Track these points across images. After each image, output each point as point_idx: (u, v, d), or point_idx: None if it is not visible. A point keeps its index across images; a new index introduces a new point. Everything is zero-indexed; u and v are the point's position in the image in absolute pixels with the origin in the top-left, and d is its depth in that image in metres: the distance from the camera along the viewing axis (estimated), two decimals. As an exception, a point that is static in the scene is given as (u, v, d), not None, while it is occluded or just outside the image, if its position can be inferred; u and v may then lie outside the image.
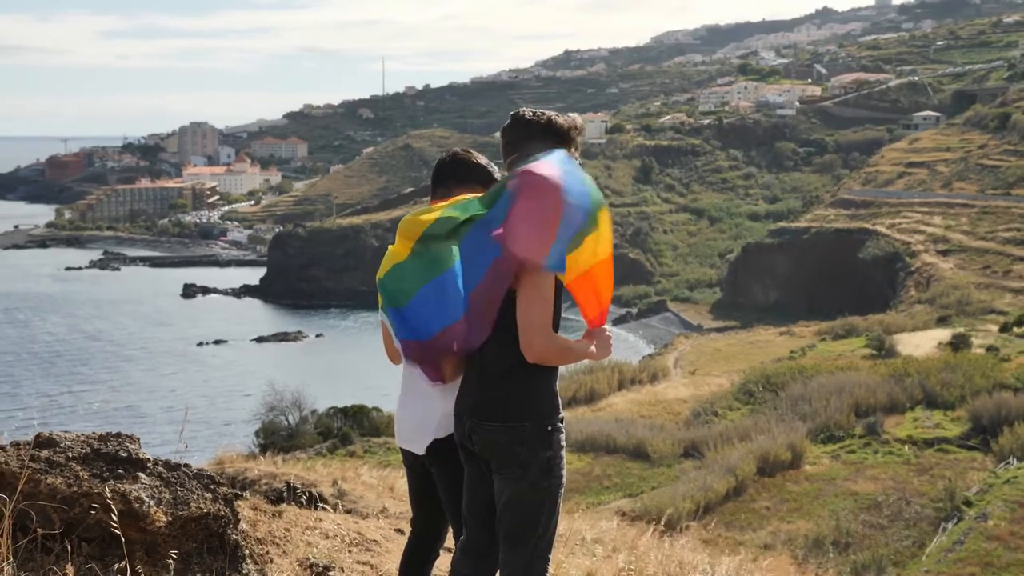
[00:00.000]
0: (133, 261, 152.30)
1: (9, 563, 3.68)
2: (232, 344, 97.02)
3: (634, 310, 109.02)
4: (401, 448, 4.91)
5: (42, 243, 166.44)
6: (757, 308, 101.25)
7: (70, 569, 3.70)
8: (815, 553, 32.79)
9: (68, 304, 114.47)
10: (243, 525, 4.86)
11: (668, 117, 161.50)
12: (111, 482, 4.10)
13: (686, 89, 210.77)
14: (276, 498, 7.85)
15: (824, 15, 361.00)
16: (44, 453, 4.13)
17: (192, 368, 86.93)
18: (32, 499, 3.91)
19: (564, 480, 4.45)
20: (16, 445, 4.21)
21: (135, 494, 4.06)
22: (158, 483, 4.23)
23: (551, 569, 4.53)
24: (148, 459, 4.31)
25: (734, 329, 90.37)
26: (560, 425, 4.43)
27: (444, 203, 4.48)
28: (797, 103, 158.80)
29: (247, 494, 8.54)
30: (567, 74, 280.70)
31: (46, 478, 3.99)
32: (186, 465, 4.42)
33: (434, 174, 4.88)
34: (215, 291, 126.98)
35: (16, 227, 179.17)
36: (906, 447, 43.65)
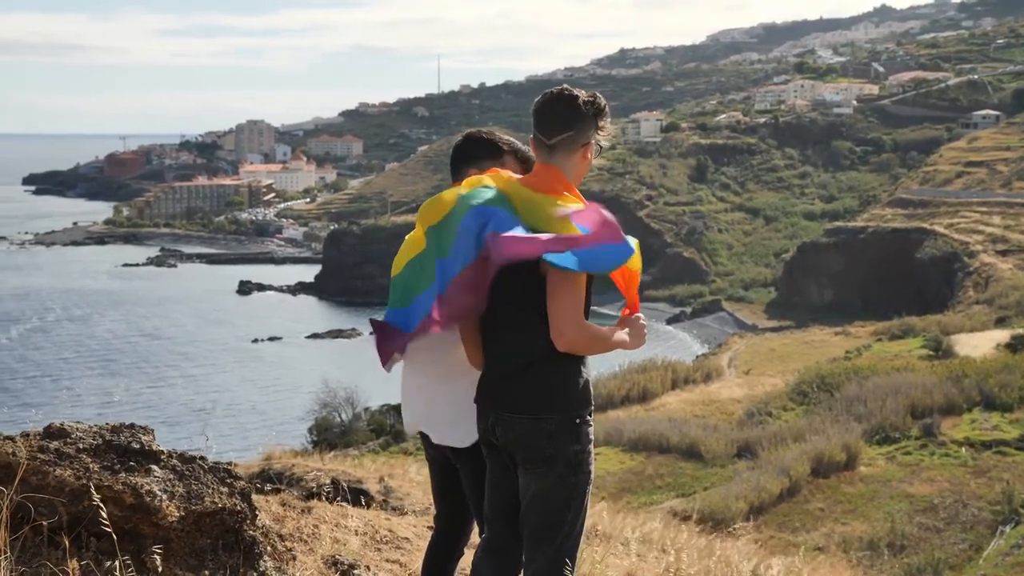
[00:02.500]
0: (190, 258, 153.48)
1: (5, 556, 3.59)
2: (287, 341, 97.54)
3: (688, 309, 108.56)
4: (424, 442, 4.76)
5: (100, 240, 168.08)
6: (812, 308, 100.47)
7: (74, 564, 3.62)
8: (870, 555, 32.47)
9: (126, 301, 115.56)
10: (267, 521, 4.75)
11: (724, 116, 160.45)
12: (122, 475, 3.99)
13: (742, 87, 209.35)
14: (308, 494, 7.79)
15: (882, 13, 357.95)
16: (54, 444, 4.03)
17: (247, 364, 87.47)
18: (40, 491, 3.81)
19: (592, 476, 4.28)
20: (26, 436, 4.11)
21: (147, 487, 3.95)
22: (171, 476, 4.11)
23: (586, 568, 4.40)
24: (162, 451, 4.20)
25: (789, 329, 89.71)
26: (589, 418, 4.25)
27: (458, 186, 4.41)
28: (854, 102, 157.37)
29: (292, 490, 8.50)
30: (622, 72, 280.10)
31: (54, 470, 3.89)
32: (202, 458, 4.30)
33: (451, 159, 4.79)
34: (270, 288, 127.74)
35: (75, 224, 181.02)
36: (963, 449, 43.10)
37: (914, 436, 45.10)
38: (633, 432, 48.23)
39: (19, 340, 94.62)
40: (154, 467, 4.06)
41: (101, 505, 3.67)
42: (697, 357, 78.11)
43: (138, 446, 4.11)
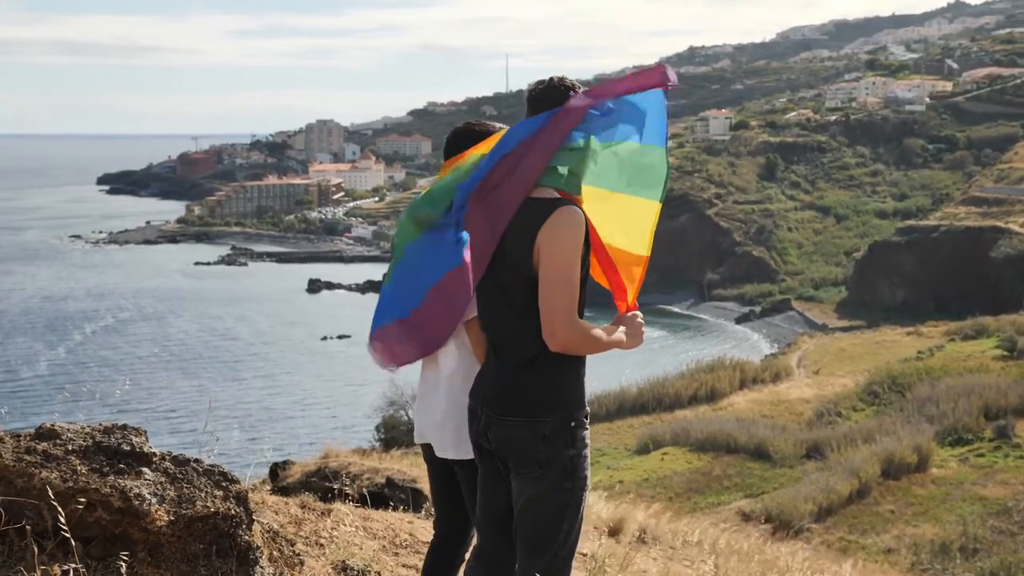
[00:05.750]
0: (260, 257, 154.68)
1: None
2: (355, 339, 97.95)
3: (757, 308, 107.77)
4: (423, 446, 4.65)
5: (173, 239, 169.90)
6: (884, 307, 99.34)
7: (56, 569, 3.57)
8: (941, 559, 32.09)
9: (199, 300, 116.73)
10: (276, 525, 4.62)
11: (794, 113, 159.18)
12: (111, 477, 3.92)
13: (812, 85, 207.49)
14: (360, 494, 7.77)
15: (956, 8, 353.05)
16: (42, 445, 3.97)
17: (317, 362, 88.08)
18: (25, 494, 3.74)
19: (588, 482, 4.14)
20: (16, 436, 4.06)
21: (135, 491, 3.87)
22: (163, 479, 4.03)
23: (611, 573, 4.28)
24: (154, 453, 4.13)
25: (860, 328, 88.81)
26: (584, 421, 4.10)
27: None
28: (927, 99, 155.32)
29: (349, 488, 8.50)
30: (692, 70, 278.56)
31: (40, 472, 3.82)
32: (196, 460, 4.21)
33: (446, 146, 4.67)
34: (339, 287, 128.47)
35: (148, 223, 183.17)
36: (1038, 451, 42.51)
37: (987, 438, 44.57)
38: (701, 432, 48.09)
39: (93, 338, 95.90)
40: (145, 470, 4.01)
41: (58, 507, 3.61)
42: (766, 357, 77.70)
43: (128, 448, 4.06)
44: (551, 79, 4.26)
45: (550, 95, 4.21)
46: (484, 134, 4.55)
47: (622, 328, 4.19)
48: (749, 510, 36.64)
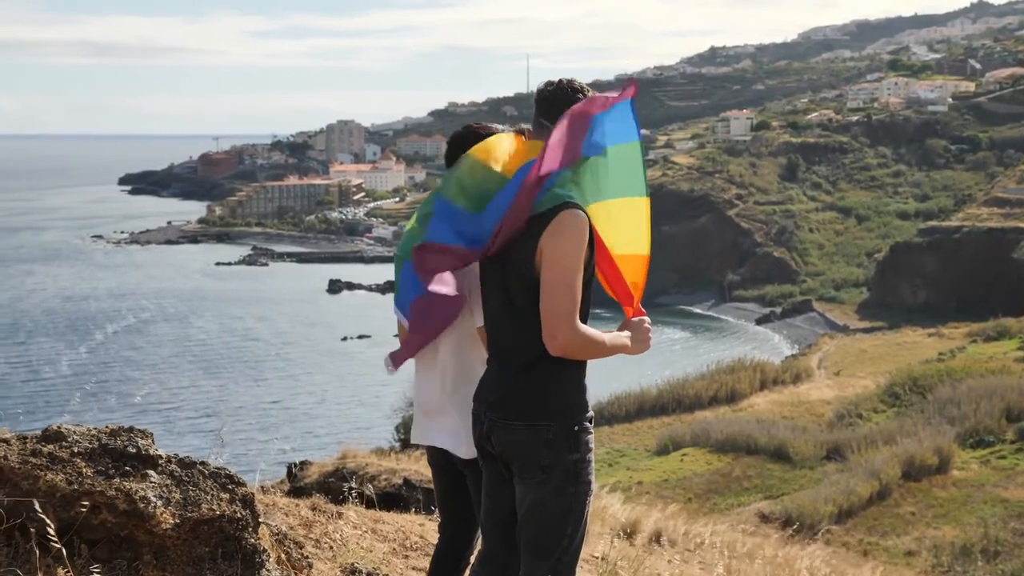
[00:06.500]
0: (281, 257, 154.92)
1: (-6, 562, 3.56)
2: (376, 339, 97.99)
3: (778, 309, 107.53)
4: (428, 448, 4.65)
5: (194, 239, 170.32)
6: (905, 309, 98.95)
7: (60, 572, 3.56)
8: (961, 561, 31.94)
9: (220, 300, 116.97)
10: (285, 527, 4.62)
11: (815, 114, 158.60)
12: (116, 480, 3.91)
13: (834, 85, 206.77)
14: (379, 494, 7.74)
15: (979, 8, 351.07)
16: (48, 448, 3.96)
17: (337, 363, 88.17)
18: (30, 496, 3.73)
19: (592, 486, 4.09)
20: (23, 438, 4.04)
21: (140, 493, 3.86)
22: (169, 482, 4.02)
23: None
24: (160, 456, 4.11)
25: (881, 330, 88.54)
26: (588, 425, 4.06)
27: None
28: (949, 99, 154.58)
29: (366, 489, 8.50)
30: (713, 71, 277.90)
31: (45, 474, 3.81)
32: (202, 463, 4.20)
33: (447, 150, 4.63)
34: (360, 287, 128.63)
35: (169, 223, 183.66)
36: (1060, 453, 42.28)
37: (1009, 440, 44.38)
38: (721, 433, 48.01)
39: (114, 338, 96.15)
40: (151, 472, 4.01)
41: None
42: (786, 358, 77.57)
43: (134, 450, 4.06)
44: (560, 81, 4.27)
45: (559, 96, 4.21)
46: (486, 137, 4.49)
47: (627, 333, 4.17)
48: (768, 511, 36.57)
